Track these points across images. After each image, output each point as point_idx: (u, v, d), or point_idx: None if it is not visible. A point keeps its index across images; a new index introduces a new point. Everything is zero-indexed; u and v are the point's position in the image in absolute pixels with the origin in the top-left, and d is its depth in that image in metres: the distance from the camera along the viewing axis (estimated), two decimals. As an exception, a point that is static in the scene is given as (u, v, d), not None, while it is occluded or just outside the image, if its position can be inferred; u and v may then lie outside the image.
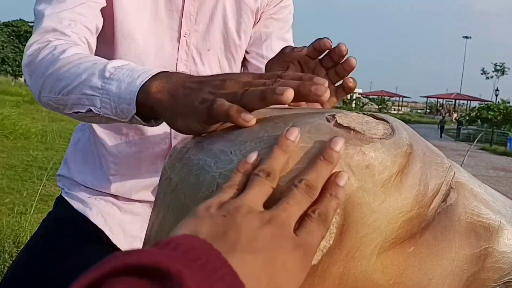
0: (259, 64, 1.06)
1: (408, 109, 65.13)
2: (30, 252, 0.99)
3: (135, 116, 0.63)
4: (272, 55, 1.11)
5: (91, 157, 1.05)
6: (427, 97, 59.97)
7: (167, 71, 0.62)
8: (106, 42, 0.93)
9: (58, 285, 0.94)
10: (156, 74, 0.61)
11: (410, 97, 76.80)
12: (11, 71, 42.71)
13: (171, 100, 0.57)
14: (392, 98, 61.61)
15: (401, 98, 65.57)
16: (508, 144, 19.95)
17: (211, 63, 1.02)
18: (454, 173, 0.53)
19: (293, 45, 1.11)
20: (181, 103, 0.56)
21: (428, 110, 60.57)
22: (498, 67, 66.16)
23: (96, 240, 1.01)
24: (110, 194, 1.05)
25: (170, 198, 0.52)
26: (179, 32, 0.98)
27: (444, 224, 0.52)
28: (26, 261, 0.98)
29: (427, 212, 0.49)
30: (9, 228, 3.32)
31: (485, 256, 0.57)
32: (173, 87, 0.58)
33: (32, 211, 3.52)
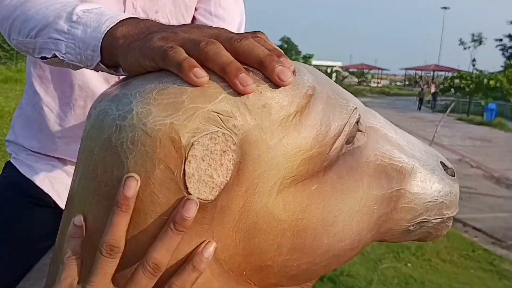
0: (206, 21, 1.04)
1: (388, 82, 65.38)
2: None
3: (100, 64, 0.60)
4: (221, 11, 1.10)
5: (34, 121, 1.04)
6: (406, 69, 60.25)
7: (138, 18, 0.58)
8: None
9: (4, 249, 0.95)
10: (125, 19, 0.58)
11: (389, 70, 77.04)
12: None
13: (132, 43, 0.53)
14: (371, 71, 61.79)
15: (380, 71, 65.78)
16: (484, 114, 20.20)
17: None
18: (359, 115, 0.55)
19: (242, 2, 1.10)
20: (138, 39, 0.52)
21: (407, 83, 60.90)
22: (475, 38, 66.57)
23: (43, 205, 1.01)
24: (57, 158, 1.05)
25: (82, 147, 0.53)
26: None
27: (350, 164, 0.54)
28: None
29: (329, 151, 0.50)
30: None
31: (398, 198, 0.59)
32: (139, 32, 0.54)
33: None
